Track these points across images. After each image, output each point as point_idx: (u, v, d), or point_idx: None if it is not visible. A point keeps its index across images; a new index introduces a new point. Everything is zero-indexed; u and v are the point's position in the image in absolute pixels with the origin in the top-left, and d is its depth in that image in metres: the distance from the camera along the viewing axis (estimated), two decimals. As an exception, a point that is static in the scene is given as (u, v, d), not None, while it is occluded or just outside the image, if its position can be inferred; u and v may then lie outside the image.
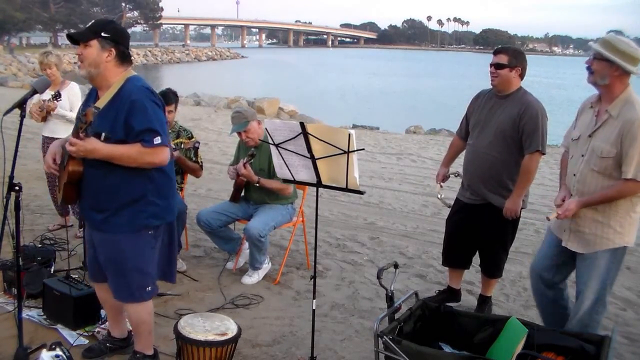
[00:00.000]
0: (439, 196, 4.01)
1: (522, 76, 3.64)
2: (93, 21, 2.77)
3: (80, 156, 2.59)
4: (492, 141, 3.64)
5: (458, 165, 4.01)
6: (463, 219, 3.89)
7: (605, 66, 2.81)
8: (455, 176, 4.03)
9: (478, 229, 3.82)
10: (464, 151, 3.93)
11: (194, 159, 4.74)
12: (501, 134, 3.60)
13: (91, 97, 2.81)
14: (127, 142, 2.62)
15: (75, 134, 2.56)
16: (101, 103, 2.67)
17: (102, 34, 2.65)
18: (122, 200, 2.70)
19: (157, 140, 2.62)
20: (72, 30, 2.75)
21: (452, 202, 4.02)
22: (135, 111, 2.60)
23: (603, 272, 2.94)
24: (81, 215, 4.74)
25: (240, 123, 4.35)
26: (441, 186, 4.00)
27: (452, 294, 4.13)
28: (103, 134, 2.59)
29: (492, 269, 3.93)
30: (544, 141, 3.56)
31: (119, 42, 2.70)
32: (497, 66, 3.59)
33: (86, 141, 2.54)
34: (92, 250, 2.92)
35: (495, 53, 3.65)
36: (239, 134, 4.40)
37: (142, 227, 2.75)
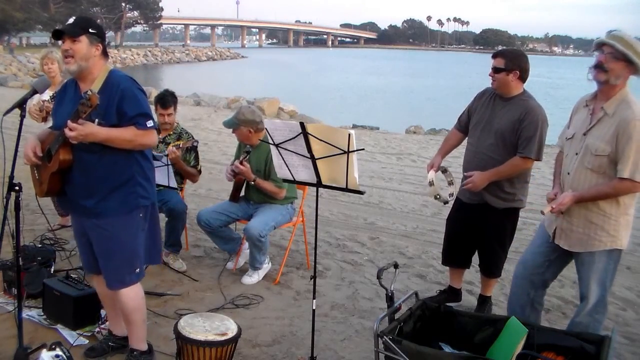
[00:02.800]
0: (430, 182, 3.70)
1: (522, 79, 3.60)
2: (76, 18, 2.86)
3: (79, 140, 2.63)
4: (493, 144, 3.64)
5: (456, 164, 3.99)
6: (462, 218, 3.90)
7: (623, 66, 2.76)
8: (443, 172, 3.88)
9: (477, 228, 3.82)
10: (464, 150, 3.92)
11: (193, 162, 4.73)
12: (501, 138, 3.60)
13: (68, 90, 2.88)
14: (120, 126, 2.74)
15: (75, 118, 2.58)
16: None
17: (90, 30, 2.76)
18: (114, 183, 2.80)
19: (150, 123, 2.79)
20: (61, 27, 2.80)
21: (443, 193, 3.77)
22: (127, 98, 2.75)
23: (602, 273, 2.94)
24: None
25: (231, 122, 4.38)
26: (435, 171, 3.78)
27: (452, 293, 4.13)
28: (96, 120, 2.66)
29: (491, 269, 3.93)
30: (541, 149, 3.55)
31: (103, 39, 2.85)
32: (494, 70, 3.59)
33: (85, 125, 2.60)
34: (84, 240, 2.96)
35: (494, 57, 3.63)
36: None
37: (134, 208, 2.87)
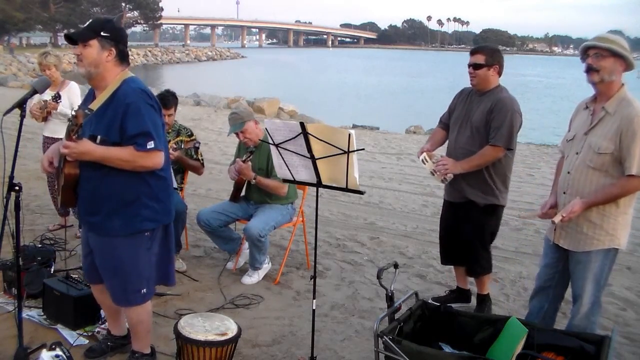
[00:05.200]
0: (422, 161, 3.76)
1: (500, 73, 3.71)
2: (91, 20, 2.74)
3: (75, 158, 2.60)
4: (469, 136, 3.71)
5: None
6: (451, 217, 3.96)
7: (613, 62, 2.82)
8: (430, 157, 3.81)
9: (462, 226, 3.86)
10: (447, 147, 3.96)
11: (194, 156, 4.75)
12: (476, 130, 3.68)
13: (89, 98, 2.81)
14: (122, 144, 2.62)
15: (68, 136, 2.55)
16: (95, 105, 2.66)
17: (102, 33, 2.64)
18: (117, 203, 2.69)
19: (151, 144, 2.61)
20: (72, 31, 2.73)
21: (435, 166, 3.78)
22: (130, 114, 2.59)
23: (598, 273, 2.94)
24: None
25: (237, 124, 4.35)
26: (426, 153, 3.79)
27: (461, 294, 4.14)
28: (99, 137, 2.58)
29: (474, 267, 3.93)
30: (510, 138, 3.59)
31: (119, 42, 2.70)
32: (474, 66, 3.66)
33: (79, 144, 2.53)
34: (88, 250, 2.92)
35: (472, 53, 3.71)
36: (237, 134, 4.41)
37: (137, 231, 2.74)
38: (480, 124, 3.65)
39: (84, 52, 2.63)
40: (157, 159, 2.67)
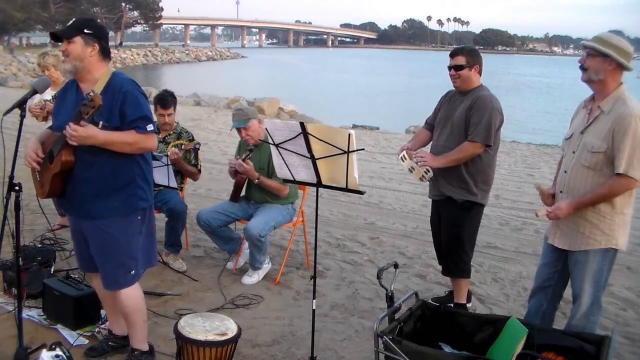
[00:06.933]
0: (401, 158, 3.80)
1: (480, 73, 3.75)
2: (74, 19, 2.89)
3: (80, 142, 2.64)
4: (450, 134, 3.74)
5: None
6: (436, 216, 3.98)
7: (599, 61, 2.85)
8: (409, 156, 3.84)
9: (441, 223, 3.89)
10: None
11: (193, 161, 4.75)
12: (457, 128, 3.70)
13: (69, 90, 2.89)
14: (122, 129, 2.76)
15: (77, 119, 2.59)
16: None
17: (85, 31, 2.77)
18: (115, 185, 2.83)
19: (150, 127, 2.81)
20: (58, 29, 2.83)
21: (416, 167, 3.81)
22: (129, 101, 2.77)
23: (596, 273, 2.94)
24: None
25: (241, 119, 4.38)
26: (405, 151, 3.83)
27: None
28: (101, 123, 2.68)
29: (447, 264, 3.91)
30: (489, 135, 3.61)
31: (101, 38, 2.84)
32: (456, 68, 3.69)
33: (86, 128, 2.62)
34: (81, 239, 2.97)
35: (452, 55, 3.74)
36: (239, 131, 4.42)
37: (134, 210, 2.88)
38: (460, 121, 3.68)
39: (69, 48, 2.75)
40: (154, 141, 2.87)
